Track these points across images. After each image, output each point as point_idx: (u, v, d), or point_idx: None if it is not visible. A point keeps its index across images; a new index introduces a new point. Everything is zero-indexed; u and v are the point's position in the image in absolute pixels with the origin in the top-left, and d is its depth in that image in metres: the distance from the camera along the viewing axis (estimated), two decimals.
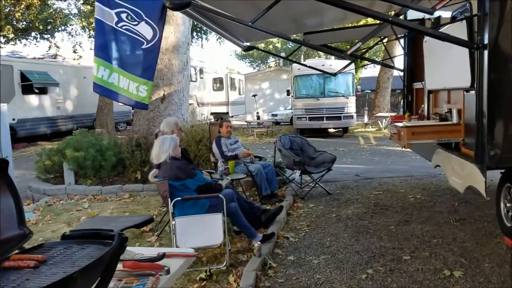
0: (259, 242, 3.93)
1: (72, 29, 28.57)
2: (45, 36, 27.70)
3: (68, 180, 6.54)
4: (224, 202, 3.69)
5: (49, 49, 25.31)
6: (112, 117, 15.79)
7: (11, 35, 21.49)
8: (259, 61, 45.43)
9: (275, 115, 24.14)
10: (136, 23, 3.60)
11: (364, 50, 8.48)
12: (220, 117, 20.94)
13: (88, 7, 23.87)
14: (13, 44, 23.11)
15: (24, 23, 23.39)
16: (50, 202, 5.98)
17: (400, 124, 4.89)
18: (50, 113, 16.60)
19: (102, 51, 3.78)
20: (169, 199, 3.63)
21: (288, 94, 17.93)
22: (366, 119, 20.28)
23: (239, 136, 17.95)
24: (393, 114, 20.51)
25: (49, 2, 24.98)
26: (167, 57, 7.42)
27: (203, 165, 6.73)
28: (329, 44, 6.68)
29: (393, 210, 5.50)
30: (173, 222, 3.55)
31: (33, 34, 26.27)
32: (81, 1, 27.30)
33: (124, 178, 6.62)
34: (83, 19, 28.58)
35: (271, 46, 40.65)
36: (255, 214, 4.58)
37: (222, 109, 19.87)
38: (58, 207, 5.71)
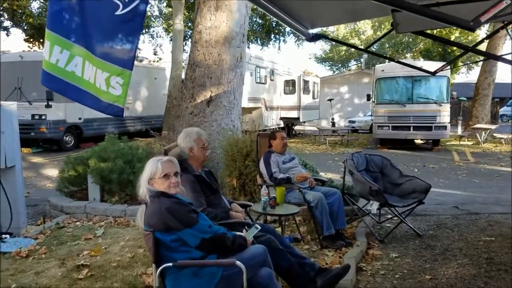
0: None
1: (153, 31, 29.18)
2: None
3: (92, 196, 5.50)
4: (245, 274, 2.21)
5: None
6: None
7: None
8: (339, 65, 43.13)
9: (353, 122, 22.09)
10: None
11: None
12: (291, 123, 19.50)
13: (170, 9, 23.94)
14: None
15: None
16: (63, 223, 4.93)
17: None
18: None
19: (58, 22, 2.51)
20: (153, 265, 2.24)
21: (368, 99, 15.96)
22: (459, 131, 17.51)
23: (309, 144, 16.37)
24: (493, 126, 17.51)
25: None
26: (217, 51, 6.12)
27: (250, 186, 5.29)
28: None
29: None
30: None
31: None
32: (164, 4, 27.76)
33: None
34: (163, 21, 29.04)
35: (352, 49, 38.28)
36: (306, 276, 3.03)
37: (293, 114, 18.34)
38: (68, 232, 4.63)
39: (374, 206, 4.76)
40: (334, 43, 39.31)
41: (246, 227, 2.81)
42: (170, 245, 2.27)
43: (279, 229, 4.31)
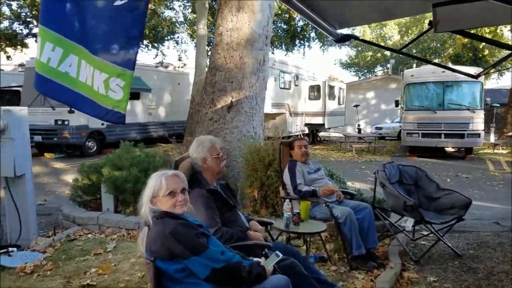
0: None
1: (178, 37, 29.35)
2: (154, 44, 28.82)
3: (106, 206, 5.24)
4: None
5: (155, 57, 26.10)
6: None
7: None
8: (365, 70, 42.26)
9: (380, 128, 21.43)
10: None
11: None
12: (316, 129, 19.01)
13: (194, 15, 23.96)
14: None
15: None
16: (74, 236, 4.67)
17: None
18: (142, 119, 16.28)
19: (50, 15, 2.21)
20: None
21: (396, 105, 15.37)
22: (493, 139, 16.64)
23: (334, 151, 15.85)
24: None
25: (158, 10, 25.72)
26: (238, 54, 5.80)
27: (272, 198, 4.92)
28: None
29: None
30: None
31: (145, 42, 27.41)
32: (189, 10, 27.86)
33: None
34: (188, 27, 29.15)
35: (379, 55, 37.48)
36: None
37: (318, 120, 17.85)
38: (78, 246, 4.36)
39: (408, 223, 4.30)
40: (360, 48, 38.60)
41: (265, 251, 2.43)
42: (175, 276, 1.92)
43: (303, 248, 3.93)
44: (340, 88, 20.14)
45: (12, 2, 24.15)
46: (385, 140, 19.96)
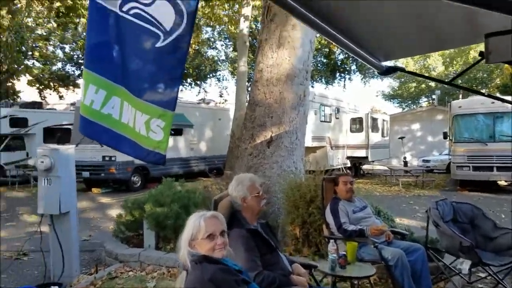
0: None
1: (219, 74, 30.28)
2: (197, 82, 29.84)
3: (147, 243, 5.22)
4: None
5: (198, 94, 26.91)
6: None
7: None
8: (409, 101, 41.32)
9: (427, 161, 20.55)
10: (150, 0, 1.98)
11: None
12: (359, 162, 18.53)
13: (235, 53, 24.69)
14: None
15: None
16: (116, 273, 4.65)
17: None
18: (184, 154, 16.58)
19: (94, 58, 2.24)
20: None
21: (445, 137, 14.76)
22: None
23: (379, 185, 15.27)
24: None
25: (201, 50, 26.74)
26: (278, 89, 5.77)
27: (315, 236, 4.70)
28: None
29: None
30: None
31: (188, 80, 28.44)
32: (231, 49, 28.80)
33: None
34: (229, 65, 30.03)
35: (423, 85, 36.63)
36: None
37: (361, 153, 17.41)
38: (118, 284, 4.32)
39: (465, 266, 3.95)
40: (403, 79, 37.91)
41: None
42: None
43: None
44: (383, 120, 19.69)
45: (65, 46, 25.99)
46: (433, 173, 19.08)
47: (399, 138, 19.96)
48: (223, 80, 32.33)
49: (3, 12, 20.83)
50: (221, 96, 30.18)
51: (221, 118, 19.08)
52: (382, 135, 19.20)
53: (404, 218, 8.16)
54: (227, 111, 19.90)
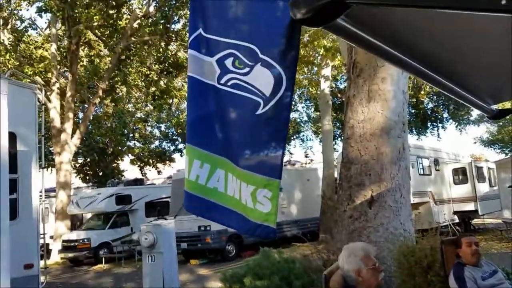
0: None
1: (303, 135, 30.54)
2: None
3: None
4: None
5: (283, 156, 27.17)
6: None
7: None
8: None
9: None
10: (247, 69, 1.91)
11: None
12: (467, 217, 16.67)
13: (317, 113, 24.90)
14: None
15: None
16: None
17: None
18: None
19: (196, 132, 2.21)
20: None
21: None
22: None
23: (494, 241, 13.44)
24: None
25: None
26: (373, 144, 5.45)
27: None
28: None
29: None
30: None
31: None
32: (312, 109, 29.19)
33: None
34: (312, 125, 30.22)
35: None
36: None
37: (469, 206, 15.69)
38: None
39: None
40: (502, 122, 34.74)
41: None
42: None
43: None
44: (488, 167, 17.86)
45: (161, 125, 28.48)
46: None
47: (508, 186, 17.78)
48: (307, 140, 32.56)
49: (107, 101, 23.63)
50: (306, 156, 30.08)
51: (309, 179, 18.75)
52: (490, 185, 17.32)
53: None
54: (315, 171, 19.58)
